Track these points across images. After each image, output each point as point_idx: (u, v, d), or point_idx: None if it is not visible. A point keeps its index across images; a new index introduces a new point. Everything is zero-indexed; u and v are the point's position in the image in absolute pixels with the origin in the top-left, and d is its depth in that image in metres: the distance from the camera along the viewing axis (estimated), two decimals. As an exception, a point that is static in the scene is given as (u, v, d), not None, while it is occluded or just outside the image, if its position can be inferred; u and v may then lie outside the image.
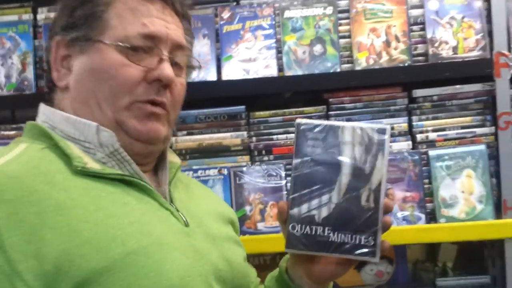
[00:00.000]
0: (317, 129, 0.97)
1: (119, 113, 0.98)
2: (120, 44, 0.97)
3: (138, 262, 0.85)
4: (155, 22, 1.00)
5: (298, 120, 0.98)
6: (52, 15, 1.87)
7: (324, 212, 0.95)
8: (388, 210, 0.97)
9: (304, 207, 0.96)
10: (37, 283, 0.79)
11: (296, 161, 0.97)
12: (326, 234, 0.95)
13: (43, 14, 1.90)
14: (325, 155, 0.96)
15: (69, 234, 0.83)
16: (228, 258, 1.03)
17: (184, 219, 0.99)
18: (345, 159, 0.95)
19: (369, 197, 0.95)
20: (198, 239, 0.98)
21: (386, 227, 0.97)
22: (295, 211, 0.96)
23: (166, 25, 1.01)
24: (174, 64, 1.03)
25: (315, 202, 0.96)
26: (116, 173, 0.94)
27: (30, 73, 1.86)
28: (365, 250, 0.95)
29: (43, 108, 1.03)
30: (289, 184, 1.77)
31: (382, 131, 0.96)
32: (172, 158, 1.11)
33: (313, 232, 0.95)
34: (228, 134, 1.86)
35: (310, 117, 1.82)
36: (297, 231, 0.96)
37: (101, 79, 0.97)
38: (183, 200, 1.05)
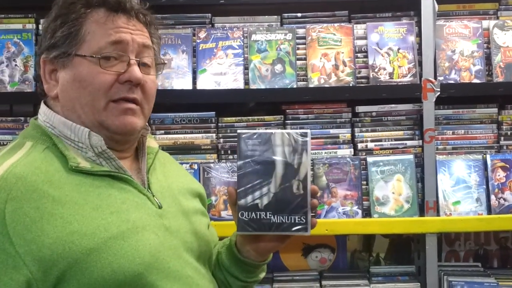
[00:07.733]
0: (254, 137, 1.12)
1: (99, 114, 1.11)
2: (94, 56, 1.10)
3: (117, 244, 1.02)
4: (121, 30, 1.12)
5: (239, 131, 1.14)
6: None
7: (265, 200, 1.11)
8: (314, 194, 1.14)
9: (249, 198, 1.11)
10: (34, 263, 0.96)
11: (239, 162, 1.12)
12: (268, 217, 1.11)
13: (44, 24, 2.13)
14: (262, 156, 1.11)
15: (62, 225, 0.99)
16: (195, 229, 1.20)
17: (158, 203, 1.14)
18: (278, 158, 1.11)
19: (299, 186, 1.11)
20: (169, 218, 1.14)
21: (314, 207, 1.15)
22: (242, 202, 1.11)
23: (131, 31, 1.14)
24: (143, 65, 1.15)
25: (257, 194, 1.11)
26: (103, 170, 1.10)
27: (31, 74, 2.10)
28: (299, 227, 1.11)
29: (44, 108, 1.15)
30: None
31: (304, 135, 1.11)
32: (151, 143, 1.24)
33: (258, 217, 1.11)
34: (199, 135, 2.11)
35: (269, 125, 2.12)
36: (245, 217, 1.11)
37: (81, 87, 1.10)
38: (160, 182, 1.20)
